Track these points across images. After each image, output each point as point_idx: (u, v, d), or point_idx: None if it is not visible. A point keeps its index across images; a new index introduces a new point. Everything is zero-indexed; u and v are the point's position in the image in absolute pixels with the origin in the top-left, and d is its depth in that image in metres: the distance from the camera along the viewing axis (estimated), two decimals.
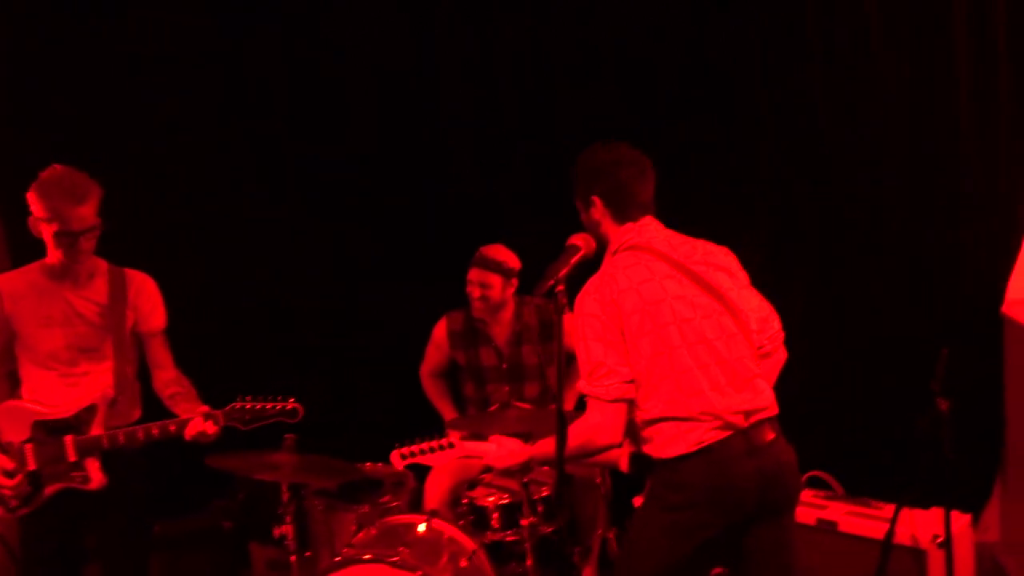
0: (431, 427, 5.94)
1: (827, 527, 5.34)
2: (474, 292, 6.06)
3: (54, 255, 4.82)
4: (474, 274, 6.05)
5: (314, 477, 5.51)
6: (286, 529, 5.24)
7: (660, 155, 4.37)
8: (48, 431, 4.85)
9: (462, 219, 7.43)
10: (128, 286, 5.03)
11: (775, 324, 4.35)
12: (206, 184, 7.43)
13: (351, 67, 7.65)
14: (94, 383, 4.95)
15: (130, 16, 7.13)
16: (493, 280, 6.01)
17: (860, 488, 5.61)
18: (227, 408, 4.84)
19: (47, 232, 4.73)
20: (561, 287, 3.94)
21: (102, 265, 5.02)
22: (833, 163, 6.14)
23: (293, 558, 5.27)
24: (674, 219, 4.34)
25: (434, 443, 4.94)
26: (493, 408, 6.01)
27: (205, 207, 7.38)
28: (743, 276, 4.29)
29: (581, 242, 4.16)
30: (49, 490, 4.86)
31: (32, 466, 4.84)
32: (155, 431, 4.83)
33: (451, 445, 4.88)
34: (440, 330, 6.41)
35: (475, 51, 7.33)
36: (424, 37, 7.48)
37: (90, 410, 4.87)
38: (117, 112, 7.05)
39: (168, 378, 5.15)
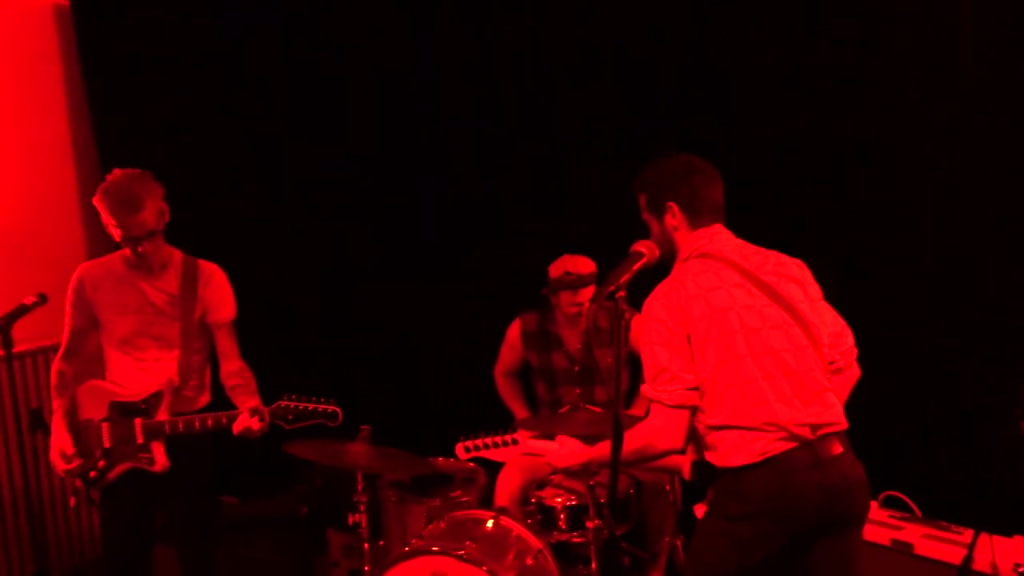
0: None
1: (902, 548, 5.17)
2: (583, 310, 6.07)
3: None
4: (568, 297, 6.04)
5: (387, 468, 5.59)
6: (359, 517, 5.31)
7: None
8: (121, 412, 5.06)
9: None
10: (198, 277, 5.22)
11: (848, 340, 4.30)
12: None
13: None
14: (164, 369, 5.14)
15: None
16: (588, 293, 6.00)
17: (938, 511, 5.48)
18: (273, 406, 4.99)
19: (115, 236, 4.94)
20: (622, 293, 3.85)
21: (176, 256, 5.24)
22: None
23: (366, 546, 5.34)
24: None
25: (499, 438, 4.97)
26: (564, 410, 6.07)
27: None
28: (816, 289, 4.23)
29: (644, 249, 4.07)
30: (119, 468, 5.07)
31: (107, 443, 5.06)
32: (209, 422, 5.02)
33: (515, 441, 4.91)
34: (514, 331, 6.44)
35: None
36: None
37: (157, 396, 5.06)
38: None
39: (231, 369, 5.32)
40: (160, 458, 5.01)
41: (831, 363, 4.14)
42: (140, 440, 5.02)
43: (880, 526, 5.29)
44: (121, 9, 7.10)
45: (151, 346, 5.15)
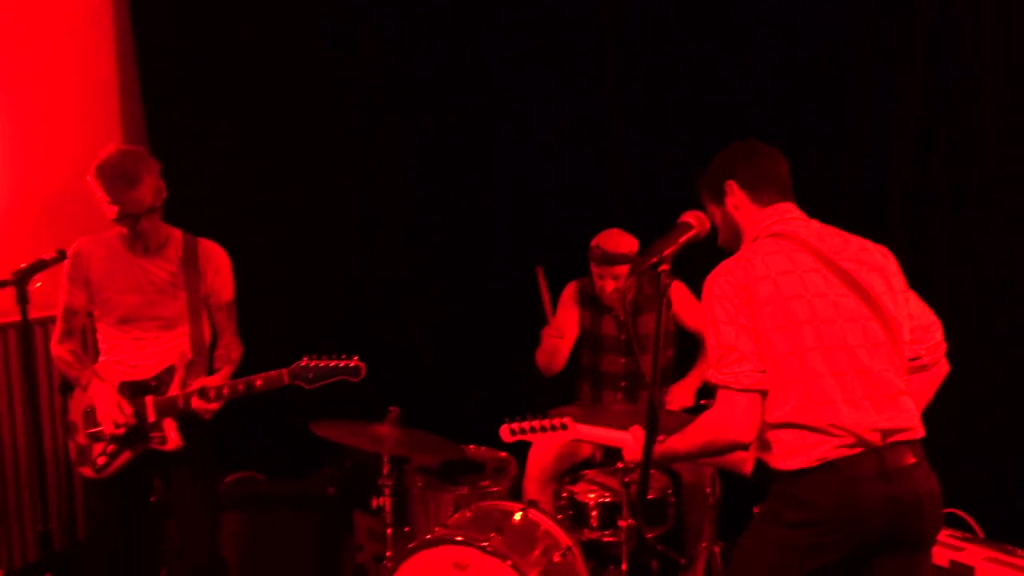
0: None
1: (962, 572, 4.84)
2: (607, 287, 5.83)
3: None
4: (600, 270, 5.82)
5: (415, 452, 5.48)
6: (383, 501, 5.22)
7: None
8: (132, 392, 4.94)
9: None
10: (199, 257, 5.09)
11: (936, 334, 3.92)
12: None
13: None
14: (164, 349, 5.03)
15: None
16: (620, 271, 5.74)
17: (1003, 532, 5.13)
18: (292, 366, 4.78)
19: (109, 213, 4.77)
20: (665, 267, 3.58)
21: (176, 235, 5.11)
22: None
23: (389, 531, 5.23)
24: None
25: (546, 422, 4.72)
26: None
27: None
28: (900, 279, 3.84)
29: (694, 220, 3.76)
30: (129, 454, 4.96)
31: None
32: (225, 390, 4.86)
33: (564, 427, 4.66)
34: (569, 290, 6.20)
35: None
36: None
37: (169, 371, 4.96)
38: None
39: (221, 344, 5.26)
40: (172, 436, 4.91)
41: (916, 359, 3.83)
42: (152, 419, 4.90)
43: (940, 546, 4.87)
44: None
45: (151, 326, 5.01)
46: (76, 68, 6.92)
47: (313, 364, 4.76)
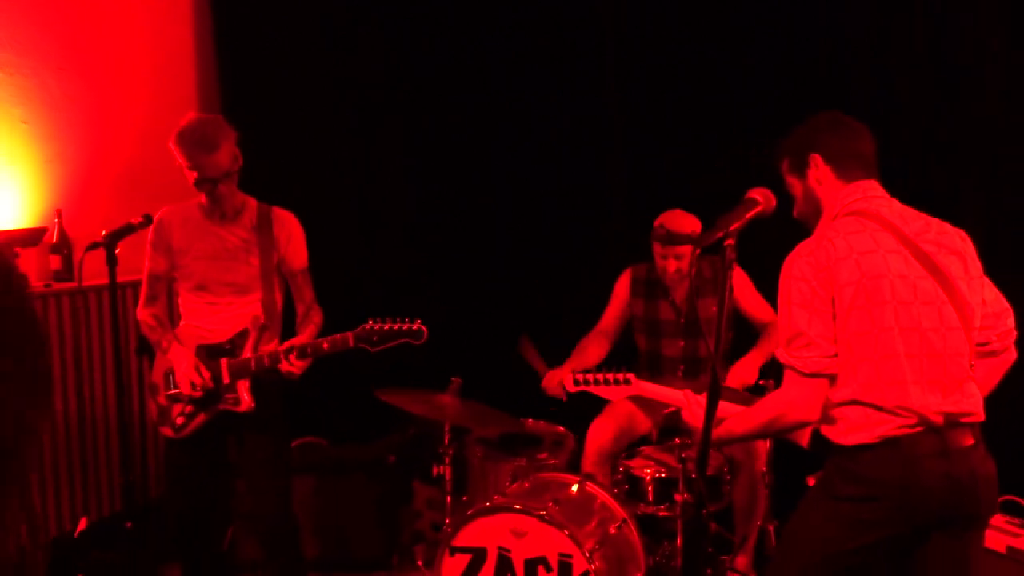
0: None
1: (1018, 557, 4.79)
2: (669, 267, 5.82)
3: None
4: (662, 250, 5.83)
5: (475, 423, 5.56)
6: (443, 469, 5.35)
7: None
8: (208, 354, 5.05)
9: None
10: (273, 224, 5.20)
11: (1008, 321, 3.89)
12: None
13: None
14: (237, 314, 5.13)
15: None
16: (683, 251, 5.76)
17: None
18: (357, 330, 4.92)
19: (189, 178, 4.90)
20: (731, 241, 3.53)
21: (251, 203, 5.22)
22: None
23: (448, 498, 5.35)
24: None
25: (610, 375, 4.76)
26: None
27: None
28: (977, 265, 3.79)
29: (760, 196, 3.69)
30: (204, 416, 5.06)
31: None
32: (294, 354, 4.94)
33: (628, 381, 4.70)
34: (623, 280, 6.19)
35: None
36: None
37: (243, 335, 5.05)
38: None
39: (300, 310, 5.36)
40: (245, 397, 5.00)
41: (985, 344, 3.81)
42: (227, 380, 5.00)
43: (996, 531, 4.93)
44: None
45: (225, 292, 5.12)
46: (153, 38, 7.06)
47: (377, 327, 4.91)
